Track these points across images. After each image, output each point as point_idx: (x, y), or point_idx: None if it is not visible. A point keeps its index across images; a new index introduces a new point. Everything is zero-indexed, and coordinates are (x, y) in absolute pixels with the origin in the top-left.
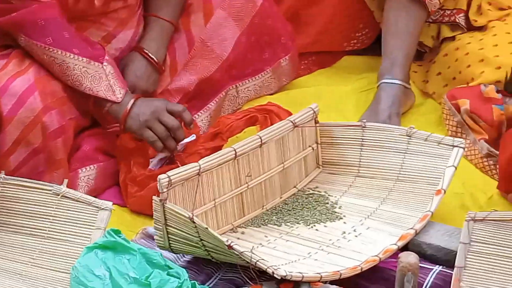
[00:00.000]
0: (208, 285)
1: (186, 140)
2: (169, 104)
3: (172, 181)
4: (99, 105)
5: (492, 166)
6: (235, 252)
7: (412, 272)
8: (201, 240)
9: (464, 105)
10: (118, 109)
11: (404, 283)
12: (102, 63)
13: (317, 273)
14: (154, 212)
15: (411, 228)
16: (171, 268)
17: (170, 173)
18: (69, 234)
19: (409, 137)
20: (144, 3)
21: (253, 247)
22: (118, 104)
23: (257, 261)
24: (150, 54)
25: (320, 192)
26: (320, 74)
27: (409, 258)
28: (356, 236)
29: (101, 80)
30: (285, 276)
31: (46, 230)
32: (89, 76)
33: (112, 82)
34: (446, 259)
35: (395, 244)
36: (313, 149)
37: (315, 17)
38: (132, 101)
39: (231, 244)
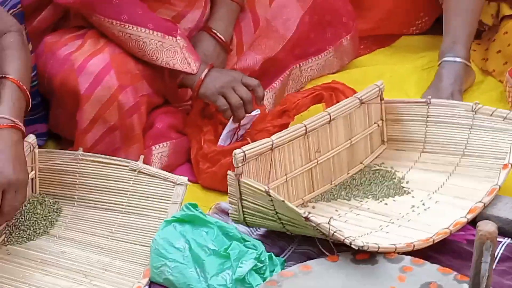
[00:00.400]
0: (282, 258)
1: (252, 113)
2: (245, 77)
3: (247, 156)
4: (174, 77)
5: None
6: (312, 224)
7: (491, 240)
8: (277, 213)
9: None
10: (192, 78)
11: (482, 251)
12: (176, 37)
13: (392, 244)
14: (229, 187)
15: (480, 202)
16: (247, 241)
17: (244, 148)
18: (146, 208)
19: (474, 113)
20: None
21: (330, 218)
22: (192, 76)
23: (335, 232)
24: (218, 34)
25: (386, 168)
26: (379, 53)
27: (488, 226)
28: (425, 209)
29: (176, 53)
30: (362, 247)
31: (124, 205)
32: (164, 49)
33: (186, 55)
34: None
35: (465, 217)
36: (378, 125)
37: (378, 2)
38: (206, 70)
39: (308, 216)
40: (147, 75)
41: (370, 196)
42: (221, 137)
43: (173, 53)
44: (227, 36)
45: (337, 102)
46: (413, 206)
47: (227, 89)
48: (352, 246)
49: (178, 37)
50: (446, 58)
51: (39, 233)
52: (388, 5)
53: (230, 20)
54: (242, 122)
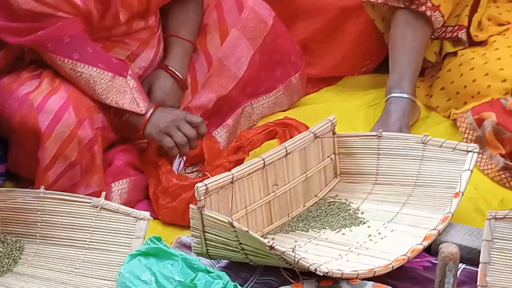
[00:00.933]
0: None
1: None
2: (188, 115)
3: (209, 189)
4: (119, 115)
5: (509, 178)
6: (277, 252)
7: (453, 261)
8: (240, 244)
9: (490, 117)
10: (137, 118)
11: (446, 272)
12: (126, 77)
13: (354, 271)
14: (191, 220)
15: (434, 229)
16: (211, 272)
17: (206, 181)
18: (109, 244)
19: (424, 144)
20: (163, 24)
21: (295, 246)
22: (138, 114)
23: (299, 259)
24: (176, 72)
25: (341, 200)
26: (327, 91)
27: (450, 248)
28: (381, 238)
29: (126, 93)
30: (326, 273)
31: (87, 241)
32: (114, 89)
33: (136, 95)
34: (469, 257)
35: (421, 244)
36: (331, 159)
37: (327, 53)
38: (151, 110)
39: (273, 245)
40: (102, 108)
41: (327, 227)
42: (174, 166)
43: (123, 93)
44: (184, 74)
45: (291, 137)
46: (370, 235)
47: (172, 128)
48: (317, 272)
49: (128, 77)
50: (393, 94)
51: (2, 271)
52: (337, 56)
53: (185, 59)
54: None
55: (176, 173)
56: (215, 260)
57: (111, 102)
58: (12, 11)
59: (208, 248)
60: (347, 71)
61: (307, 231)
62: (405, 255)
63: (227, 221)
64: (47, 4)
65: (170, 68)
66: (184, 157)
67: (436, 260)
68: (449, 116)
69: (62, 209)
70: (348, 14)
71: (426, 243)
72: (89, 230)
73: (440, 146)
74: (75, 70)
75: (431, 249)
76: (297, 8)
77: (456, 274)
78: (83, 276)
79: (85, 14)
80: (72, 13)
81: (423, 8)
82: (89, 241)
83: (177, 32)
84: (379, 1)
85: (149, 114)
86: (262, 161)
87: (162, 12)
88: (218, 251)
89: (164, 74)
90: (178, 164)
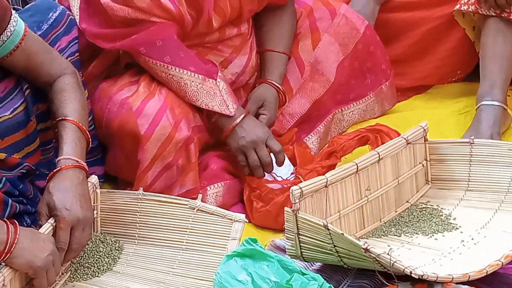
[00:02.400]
0: None
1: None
2: (270, 139)
3: (303, 192)
4: (209, 117)
5: None
6: (372, 255)
7: None
8: (335, 246)
9: None
10: (225, 121)
11: None
12: (216, 79)
13: (449, 275)
14: (286, 223)
15: None
16: (306, 274)
17: (301, 184)
18: (205, 245)
19: None
20: (259, 38)
21: (390, 249)
22: (227, 117)
23: (395, 262)
24: (276, 84)
25: (432, 205)
26: (416, 99)
27: None
28: (475, 244)
29: (216, 95)
30: (422, 276)
31: (184, 242)
32: (204, 91)
33: (225, 97)
34: None
35: None
36: (423, 165)
37: (418, 63)
38: (242, 116)
39: (368, 247)
40: (196, 109)
41: (419, 232)
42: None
43: (213, 95)
44: (282, 86)
45: (382, 143)
46: (462, 241)
47: (249, 149)
48: (412, 275)
49: (218, 80)
50: (484, 102)
51: (103, 270)
52: (428, 68)
53: (283, 72)
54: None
55: (284, 179)
56: (309, 263)
57: (202, 104)
58: (107, 18)
59: (302, 250)
60: (438, 81)
61: (399, 236)
62: (499, 260)
63: (322, 223)
64: (141, 10)
65: (270, 81)
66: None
67: None
68: None
69: (160, 211)
70: (441, 27)
71: None
72: (186, 231)
73: None
74: (167, 73)
75: None
76: (391, 28)
77: None
78: (180, 276)
79: (179, 18)
80: (165, 18)
81: None
82: (186, 242)
83: (274, 47)
84: (469, 10)
85: (238, 120)
86: (356, 166)
87: (257, 25)
88: (312, 253)
89: (267, 87)
90: (287, 170)
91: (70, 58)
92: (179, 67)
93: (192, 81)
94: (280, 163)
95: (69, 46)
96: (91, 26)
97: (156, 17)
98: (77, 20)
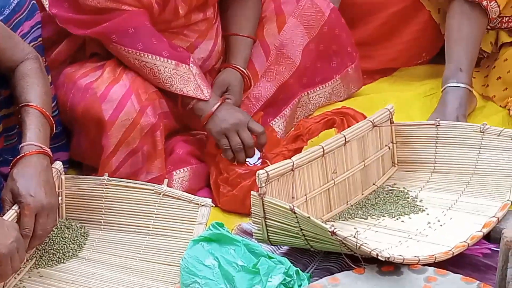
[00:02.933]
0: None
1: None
2: (251, 121)
3: (270, 176)
4: (184, 105)
5: None
6: (338, 237)
7: None
8: (301, 230)
9: None
10: (203, 107)
11: (508, 257)
12: (189, 64)
13: (415, 256)
14: (252, 207)
15: (493, 216)
16: (273, 258)
17: (267, 168)
18: (172, 230)
19: (482, 133)
20: (224, 22)
21: (356, 232)
22: (203, 103)
23: (361, 245)
24: (241, 68)
25: (399, 188)
26: (382, 82)
27: None
28: (441, 225)
29: (190, 80)
30: (388, 258)
31: (150, 227)
32: (178, 77)
33: (199, 82)
34: None
35: (480, 231)
36: (389, 148)
37: (384, 46)
38: (218, 103)
39: (335, 230)
40: (163, 95)
41: (386, 215)
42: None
43: (187, 80)
44: (247, 70)
45: (348, 126)
46: (429, 223)
47: (231, 132)
48: (379, 257)
49: (191, 65)
50: (450, 84)
51: (68, 256)
52: (394, 50)
53: (248, 56)
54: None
55: (252, 165)
56: (276, 246)
57: (176, 89)
58: (75, 5)
59: (269, 234)
60: (404, 63)
61: (366, 219)
62: (465, 241)
63: (288, 207)
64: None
65: (235, 65)
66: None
67: (496, 247)
68: (505, 106)
69: (125, 196)
70: (406, 10)
71: (485, 230)
72: (152, 217)
73: (499, 135)
74: (139, 60)
75: (490, 237)
76: (357, 11)
77: None
78: (146, 261)
79: (147, 6)
80: (135, 6)
81: None
82: (152, 227)
83: (239, 31)
84: None
85: (214, 107)
86: (322, 149)
87: (222, 9)
88: (279, 237)
89: (232, 71)
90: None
91: (32, 43)
92: (152, 53)
93: (166, 67)
94: (262, 145)
95: (32, 31)
96: (61, 11)
97: (127, 6)
98: (47, 5)
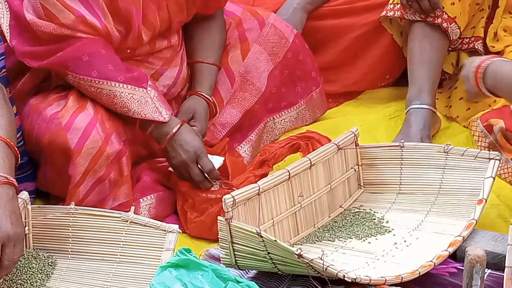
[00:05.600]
0: None
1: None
2: (202, 156)
3: (236, 200)
4: (143, 128)
5: None
6: (305, 260)
7: (480, 264)
8: (269, 253)
9: (498, 124)
10: (162, 130)
11: (473, 275)
12: (146, 88)
13: (382, 277)
14: (219, 232)
15: (459, 236)
16: (240, 282)
17: (233, 193)
18: (140, 257)
19: (446, 154)
20: (188, 49)
21: (323, 254)
22: (163, 125)
23: (328, 266)
24: (206, 96)
25: (365, 210)
26: (347, 105)
27: (477, 251)
28: (407, 245)
29: (147, 103)
30: (355, 279)
31: (117, 255)
32: (135, 101)
33: (157, 104)
34: (494, 262)
35: (446, 250)
36: (355, 170)
37: (347, 69)
38: (178, 125)
39: (301, 253)
40: (129, 121)
41: (353, 236)
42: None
43: (144, 103)
44: (212, 97)
45: (314, 150)
46: (395, 243)
47: (190, 164)
48: (346, 278)
49: (149, 88)
50: (413, 106)
51: (36, 286)
52: (358, 73)
53: (213, 83)
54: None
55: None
56: (244, 271)
57: (134, 113)
58: (34, 35)
59: (236, 258)
60: (367, 86)
61: (333, 241)
62: (431, 261)
63: (255, 231)
64: (66, 26)
65: (200, 92)
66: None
67: (462, 266)
68: (468, 126)
69: (92, 224)
70: (369, 34)
71: (451, 249)
72: (120, 244)
73: (462, 155)
74: (96, 87)
75: (456, 256)
76: (320, 36)
77: (483, 276)
78: None
79: (105, 34)
80: (91, 34)
81: (439, 20)
82: (120, 255)
83: (204, 58)
84: (396, 16)
85: (174, 130)
86: (288, 173)
87: (187, 36)
88: (247, 261)
89: (197, 99)
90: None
91: None
92: (107, 79)
93: (122, 92)
94: (215, 179)
95: None
96: (20, 43)
97: (81, 33)
98: (8, 37)
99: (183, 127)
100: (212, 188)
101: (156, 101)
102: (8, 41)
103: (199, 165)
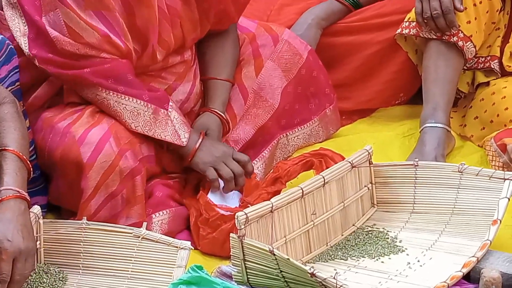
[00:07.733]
0: None
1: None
2: (235, 152)
3: (249, 218)
4: (168, 144)
5: None
6: (318, 279)
7: (495, 286)
8: (281, 271)
9: (511, 142)
10: (183, 150)
11: None
12: (167, 109)
13: None
14: (232, 249)
15: (473, 256)
16: None
17: (246, 210)
18: (151, 273)
19: (461, 173)
20: (202, 66)
21: (336, 273)
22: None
23: (341, 286)
24: (219, 113)
25: (378, 228)
26: (361, 123)
27: (492, 273)
28: (420, 266)
29: (167, 125)
30: None
31: (129, 271)
32: (157, 122)
33: (177, 127)
34: (508, 284)
35: (460, 271)
36: (368, 189)
37: (362, 87)
38: (200, 141)
39: (314, 272)
40: (144, 140)
41: (366, 256)
42: (210, 196)
43: (165, 125)
44: (226, 114)
45: (327, 168)
46: (409, 263)
47: (219, 163)
48: None
49: (170, 109)
50: (427, 124)
51: None
52: (372, 91)
53: (225, 99)
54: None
55: (216, 203)
56: None
57: (154, 134)
58: (56, 50)
59: (248, 276)
60: (381, 104)
61: (346, 260)
62: (444, 282)
63: (267, 249)
64: (91, 46)
65: (213, 109)
66: (241, 194)
67: (476, 287)
68: (482, 145)
69: (104, 240)
70: (383, 51)
71: (465, 270)
72: (131, 260)
73: (477, 175)
74: (120, 102)
75: (470, 277)
76: (334, 53)
77: None
78: None
79: (126, 54)
80: (114, 54)
81: (455, 38)
82: (131, 271)
83: (217, 74)
84: (411, 33)
85: (198, 145)
86: (301, 191)
87: (200, 52)
88: (259, 279)
89: (210, 116)
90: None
91: (10, 88)
92: (133, 96)
93: (145, 111)
94: (250, 173)
95: (9, 75)
96: (42, 51)
97: (106, 53)
98: (26, 47)
99: (205, 139)
100: (232, 205)
101: (176, 123)
102: (28, 50)
103: (233, 161)
